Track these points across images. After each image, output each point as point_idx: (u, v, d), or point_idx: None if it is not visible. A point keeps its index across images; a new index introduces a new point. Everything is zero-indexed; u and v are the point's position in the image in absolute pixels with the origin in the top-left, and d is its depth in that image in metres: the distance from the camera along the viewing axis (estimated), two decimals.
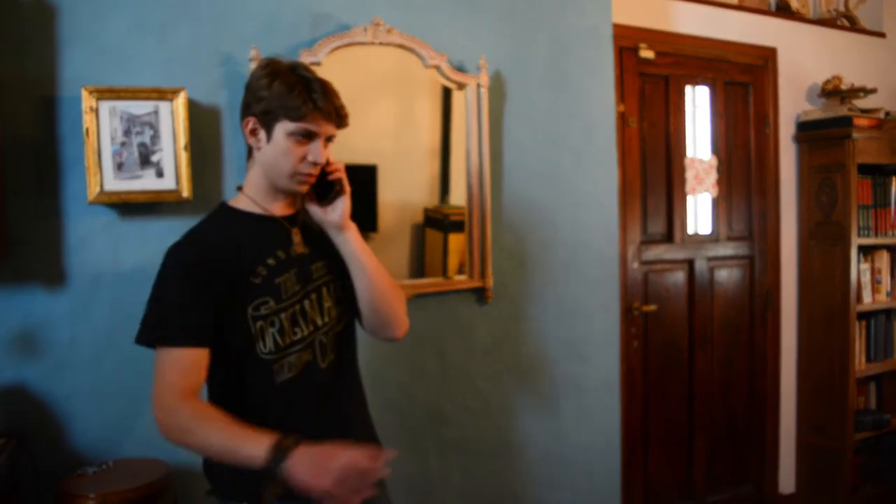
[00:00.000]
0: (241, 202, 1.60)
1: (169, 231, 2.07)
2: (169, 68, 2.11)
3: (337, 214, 1.59)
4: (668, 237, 3.45)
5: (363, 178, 2.39)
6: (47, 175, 2.00)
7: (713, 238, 3.59)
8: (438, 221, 2.53)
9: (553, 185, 2.69)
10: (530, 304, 2.65)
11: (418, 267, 2.50)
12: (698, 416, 3.56)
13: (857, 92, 3.70)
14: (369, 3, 2.33)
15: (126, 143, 2.01)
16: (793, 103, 3.81)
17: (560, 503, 2.73)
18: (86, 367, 2.04)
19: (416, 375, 2.48)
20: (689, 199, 3.48)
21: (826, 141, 3.68)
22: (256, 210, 1.59)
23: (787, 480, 3.89)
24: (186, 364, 1.43)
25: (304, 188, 1.57)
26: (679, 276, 3.51)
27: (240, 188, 1.63)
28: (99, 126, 1.97)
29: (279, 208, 1.61)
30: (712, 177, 3.50)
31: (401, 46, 2.34)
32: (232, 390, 1.53)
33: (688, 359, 3.53)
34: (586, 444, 2.78)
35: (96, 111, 1.96)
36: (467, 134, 2.48)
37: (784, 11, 3.84)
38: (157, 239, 2.08)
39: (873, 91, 3.75)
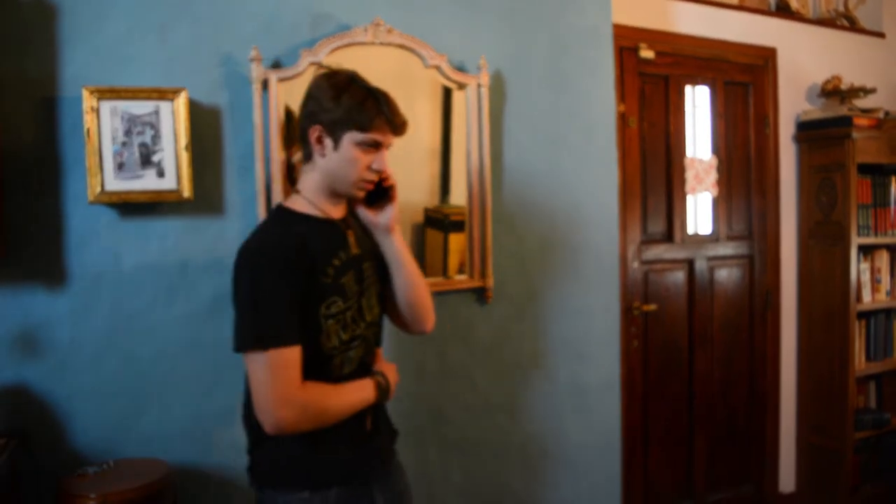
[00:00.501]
0: (299, 204, 1.65)
1: (170, 231, 2.10)
2: (169, 68, 2.11)
3: (386, 218, 1.70)
4: (668, 237, 3.46)
5: None
6: (48, 175, 2.00)
7: (713, 238, 3.59)
8: (439, 221, 2.53)
9: (553, 184, 2.69)
10: (530, 303, 2.66)
11: (419, 266, 2.49)
12: (698, 416, 3.56)
13: (856, 92, 3.71)
14: (369, 3, 2.34)
15: (127, 143, 2.01)
16: (792, 103, 3.81)
17: (560, 502, 2.74)
18: (86, 367, 2.04)
19: (417, 375, 2.48)
20: (689, 198, 3.48)
21: (826, 141, 3.68)
22: (315, 213, 1.65)
23: (787, 480, 3.90)
24: (296, 360, 1.50)
25: (363, 194, 1.66)
26: (679, 276, 3.51)
27: (296, 190, 1.68)
28: (100, 126, 1.97)
29: (335, 211, 1.68)
30: (712, 176, 3.50)
31: (401, 46, 2.34)
32: (311, 379, 1.57)
33: (688, 358, 3.53)
34: (586, 444, 2.78)
35: (97, 111, 1.97)
36: (467, 134, 2.48)
37: (784, 11, 3.84)
38: (157, 239, 2.10)
39: (873, 91, 3.75)
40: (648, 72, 3.32)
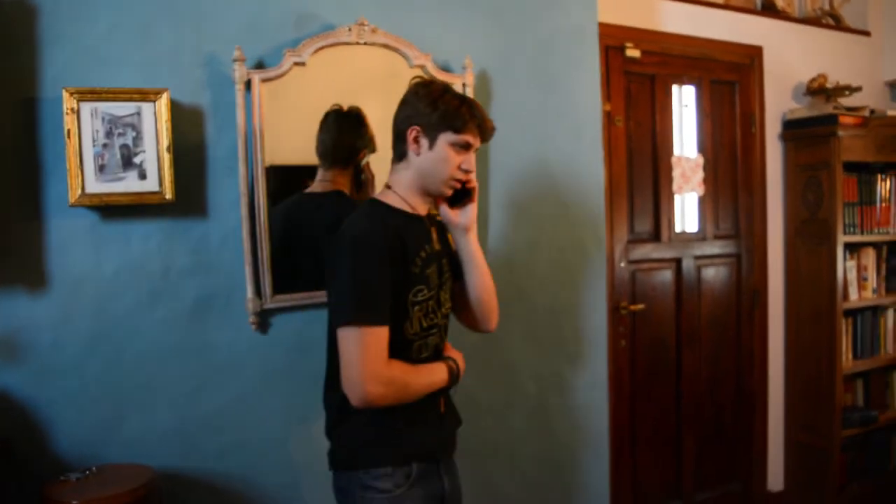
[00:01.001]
0: (391, 199, 1.80)
1: (152, 233, 2.08)
2: (151, 69, 2.08)
3: (466, 218, 1.83)
4: (656, 236, 3.46)
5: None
6: (28, 177, 1.97)
7: (700, 237, 3.59)
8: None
9: (540, 184, 2.68)
10: (518, 303, 2.65)
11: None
12: (686, 415, 3.57)
13: (842, 90, 3.72)
14: (354, 2, 2.31)
15: (108, 144, 1.98)
16: (779, 102, 3.83)
17: (548, 503, 2.73)
18: (68, 371, 2.01)
19: None
20: (676, 197, 3.48)
21: (812, 139, 3.69)
22: (406, 208, 1.80)
23: (775, 478, 3.91)
24: (385, 339, 1.65)
25: (450, 192, 1.80)
26: (666, 275, 3.51)
27: (387, 186, 1.84)
28: (80, 127, 1.94)
29: (421, 208, 1.83)
30: (699, 175, 3.51)
31: (385, 46, 2.33)
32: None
33: (675, 358, 3.53)
34: (574, 444, 2.78)
35: (77, 112, 1.94)
36: None
37: (770, 10, 3.86)
38: (139, 241, 2.07)
39: (858, 89, 3.77)
40: (635, 71, 3.32)
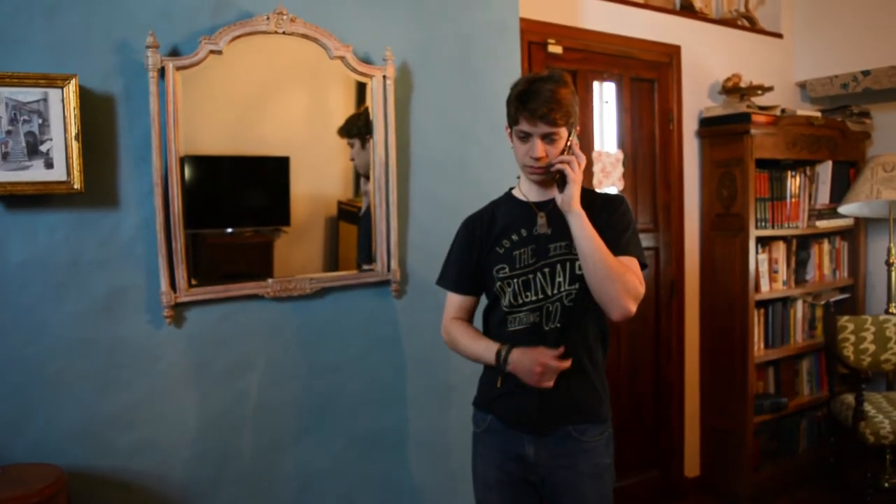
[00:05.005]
0: (516, 188, 2.05)
1: (59, 224, 2.01)
2: (59, 54, 2.00)
3: (562, 200, 1.85)
4: None
5: (275, 170, 2.36)
6: None
7: None
8: (352, 214, 2.51)
9: (461, 177, 2.70)
10: (436, 295, 2.63)
11: (332, 260, 2.47)
12: None
13: (755, 90, 3.85)
14: None
15: (12, 131, 1.91)
16: (695, 99, 3.94)
17: (468, 493, 2.75)
18: None
19: (323, 368, 2.45)
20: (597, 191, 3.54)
21: (726, 136, 3.81)
22: (519, 196, 2.02)
23: (692, 464, 4.03)
24: (455, 303, 2.08)
25: (536, 178, 1.93)
26: None
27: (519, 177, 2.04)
28: None
29: (535, 195, 1.98)
30: (619, 170, 3.58)
31: (305, 36, 2.30)
32: (490, 328, 2.04)
33: None
34: None
35: None
36: (373, 125, 2.46)
37: (688, 10, 3.96)
38: (46, 232, 2.00)
39: (770, 89, 3.91)
40: (557, 66, 3.36)
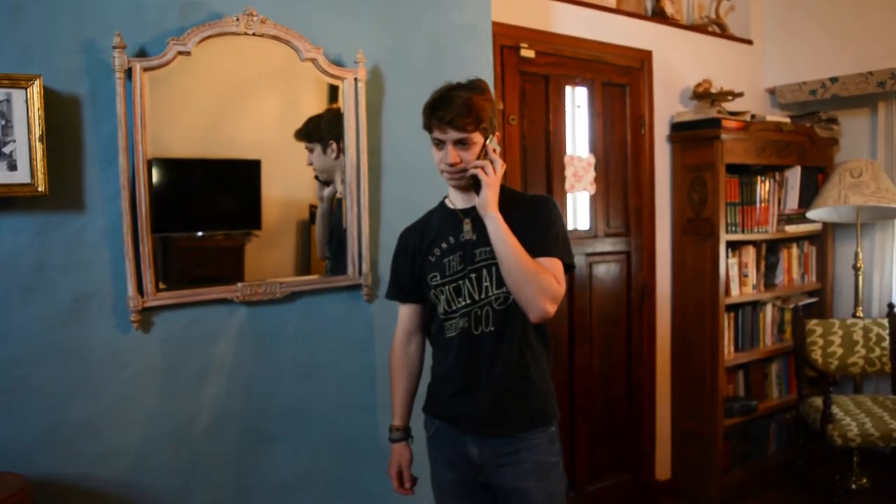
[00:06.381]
0: (448, 198, 2.06)
1: (23, 228, 1.97)
2: (24, 54, 1.96)
3: (478, 202, 1.89)
4: None
5: (245, 174, 2.34)
6: None
7: (591, 234, 3.68)
8: None
9: (432, 181, 2.64)
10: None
11: (304, 264, 2.45)
12: (579, 409, 3.66)
13: (725, 95, 3.90)
14: None
15: None
16: (667, 105, 3.97)
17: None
18: None
19: (294, 373, 2.43)
20: (569, 196, 3.56)
21: (697, 141, 3.85)
22: (448, 203, 2.05)
23: (663, 466, 4.06)
24: (404, 313, 2.15)
25: (453, 184, 1.96)
26: None
27: None
28: None
29: (461, 202, 2.01)
30: (591, 174, 3.60)
31: (275, 38, 2.28)
32: (432, 336, 2.11)
33: (567, 353, 3.61)
34: None
35: None
36: (344, 128, 2.45)
37: (659, 16, 3.99)
38: (9, 236, 1.96)
39: (740, 95, 3.96)
40: (529, 71, 3.37)
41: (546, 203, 2.00)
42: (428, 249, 2.01)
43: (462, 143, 1.86)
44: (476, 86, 1.90)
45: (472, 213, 1.95)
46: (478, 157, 1.88)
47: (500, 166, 1.90)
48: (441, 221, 2.03)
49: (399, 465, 2.13)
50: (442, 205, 2.07)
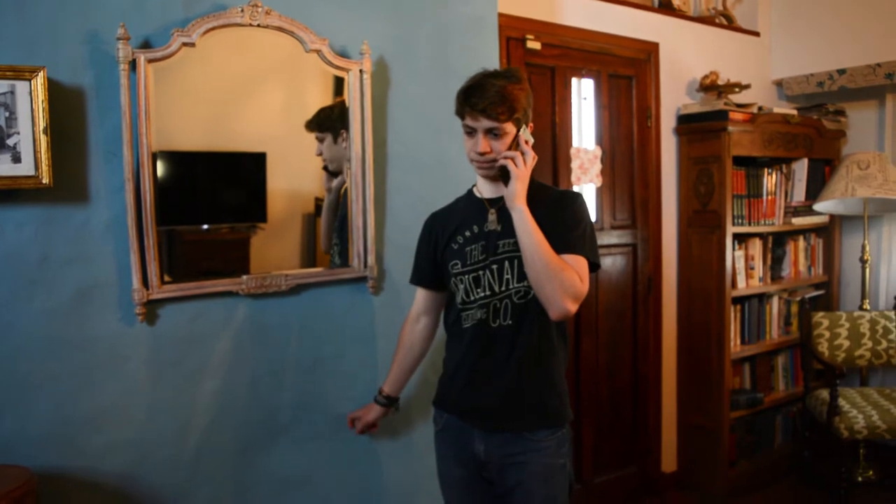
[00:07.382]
0: (476, 186, 2.05)
1: (28, 220, 1.96)
2: (28, 45, 1.95)
3: (506, 194, 1.86)
4: None
5: (251, 166, 2.33)
6: None
7: (598, 227, 3.67)
8: None
9: (438, 172, 2.67)
10: (414, 292, 2.62)
11: (310, 257, 2.44)
12: (585, 401, 3.65)
13: (732, 87, 3.87)
14: None
15: None
16: (673, 97, 3.95)
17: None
18: None
19: (299, 366, 2.42)
20: (575, 188, 3.54)
21: (704, 133, 3.83)
22: (476, 192, 2.03)
23: (669, 459, 4.05)
24: (420, 297, 2.18)
25: (482, 173, 1.95)
26: None
27: None
28: None
29: (489, 192, 1.99)
30: (597, 167, 3.58)
31: (280, 29, 2.26)
32: (448, 325, 2.09)
33: (574, 345, 3.60)
34: None
35: None
36: (350, 120, 2.43)
37: (666, 8, 3.97)
38: (14, 229, 1.95)
39: (747, 87, 3.93)
40: (535, 63, 3.35)
41: (575, 199, 1.96)
42: (451, 237, 2.00)
43: (494, 133, 1.84)
44: (512, 74, 1.87)
45: (499, 204, 1.93)
46: (509, 148, 1.86)
47: (532, 158, 1.88)
48: (467, 209, 2.02)
49: (361, 414, 2.35)
50: (469, 193, 2.06)
